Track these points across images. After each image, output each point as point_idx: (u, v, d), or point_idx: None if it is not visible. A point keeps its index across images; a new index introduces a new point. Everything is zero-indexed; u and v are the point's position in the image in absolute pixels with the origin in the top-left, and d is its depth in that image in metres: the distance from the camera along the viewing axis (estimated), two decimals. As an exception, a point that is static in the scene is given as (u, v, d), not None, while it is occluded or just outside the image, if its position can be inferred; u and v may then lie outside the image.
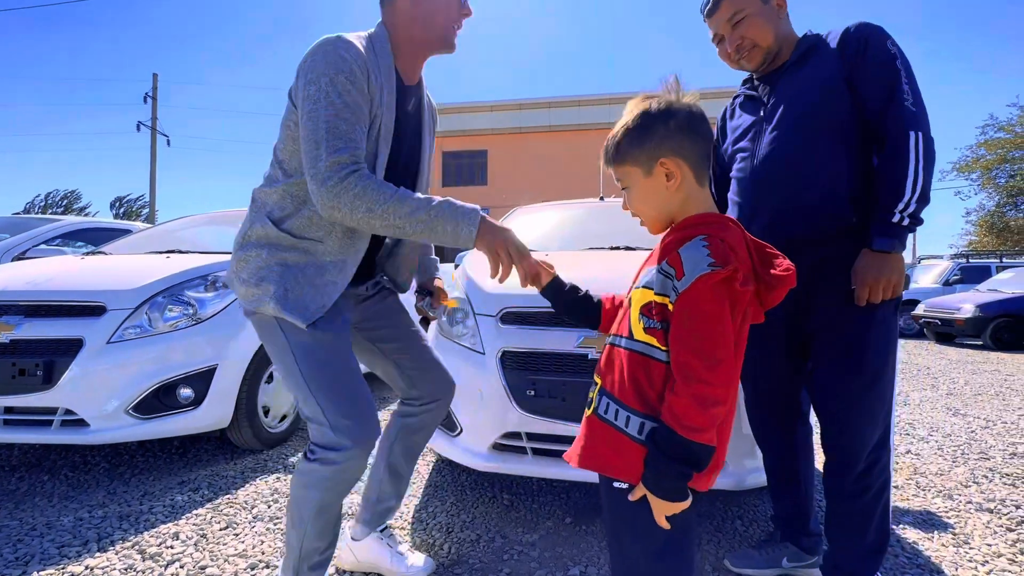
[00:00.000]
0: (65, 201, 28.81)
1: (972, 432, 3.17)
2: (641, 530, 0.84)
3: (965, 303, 8.25)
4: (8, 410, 2.10)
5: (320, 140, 1.05)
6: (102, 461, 2.41)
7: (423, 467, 2.36)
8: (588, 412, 0.92)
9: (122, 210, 29.35)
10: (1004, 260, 11.21)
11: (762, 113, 1.38)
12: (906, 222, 1.19)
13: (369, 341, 1.44)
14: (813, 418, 1.46)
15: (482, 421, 1.80)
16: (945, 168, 18.48)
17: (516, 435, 1.76)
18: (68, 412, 2.08)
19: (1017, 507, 2.05)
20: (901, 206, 1.18)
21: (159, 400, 2.19)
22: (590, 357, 1.68)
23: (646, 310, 0.85)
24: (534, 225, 3.14)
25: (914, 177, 1.18)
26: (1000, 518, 1.96)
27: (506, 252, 1.05)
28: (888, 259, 1.20)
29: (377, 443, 1.34)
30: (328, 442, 1.15)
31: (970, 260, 11.04)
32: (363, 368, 1.35)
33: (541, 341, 1.76)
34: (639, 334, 0.86)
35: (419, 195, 1.08)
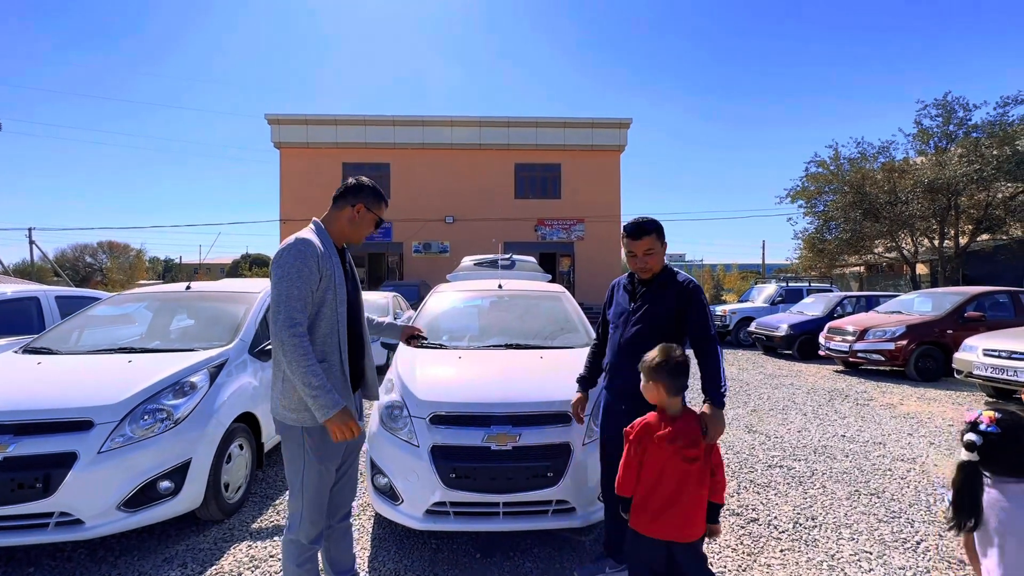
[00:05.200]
0: None
1: (752, 449, 4.59)
2: None
3: (781, 324, 10.57)
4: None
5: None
6: (79, 548, 2.79)
7: (366, 522, 3.08)
8: None
9: None
10: (812, 284, 14.27)
11: (632, 307, 2.35)
12: (723, 392, 2.18)
13: None
14: None
15: (417, 495, 2.59)
16: (782, 195, 22.46)
17: (442, 503, 2.58)
18: (63, 514, 2.50)
19: (753, 510, 3.32)
20: (722, 388, 2.18)
21: (144, 495, 2.67)
22: (492, 448, 2.55)
23: None
24: (447, 316, 3.97)
25: (722, 373, 2.18)
26: (739, 519, 3.19)
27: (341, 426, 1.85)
28: (720, 413, 2.15)
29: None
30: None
31: (789, 284, 13.91)
32: None
33: (458, 438, 2.59)
34: None
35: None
